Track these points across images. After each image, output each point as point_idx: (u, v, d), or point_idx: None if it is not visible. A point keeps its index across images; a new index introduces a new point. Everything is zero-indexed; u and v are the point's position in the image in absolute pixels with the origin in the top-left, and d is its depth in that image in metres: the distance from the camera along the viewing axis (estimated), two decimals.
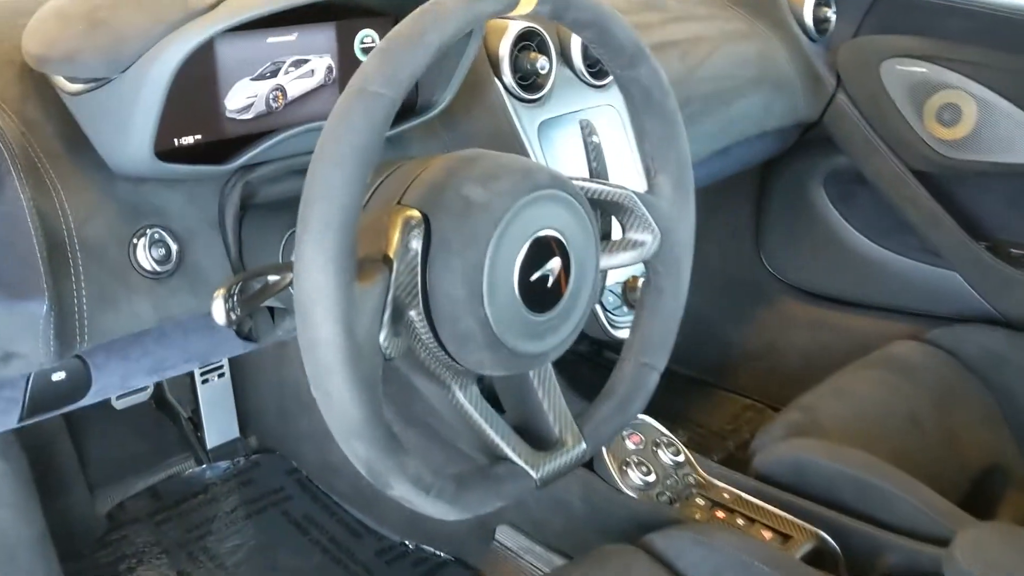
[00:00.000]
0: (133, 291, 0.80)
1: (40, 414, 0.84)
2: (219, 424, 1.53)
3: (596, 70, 1.17)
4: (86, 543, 1.36)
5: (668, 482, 1.19)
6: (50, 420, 1.33)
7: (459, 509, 0.70)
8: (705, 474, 1.22)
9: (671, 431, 1.26)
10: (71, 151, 0.80)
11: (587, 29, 0.76)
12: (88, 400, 0.87)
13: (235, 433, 1.56)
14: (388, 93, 0.61)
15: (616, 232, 0.98)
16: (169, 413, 1.54)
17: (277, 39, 0.87)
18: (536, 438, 0.81)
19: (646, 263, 0.88)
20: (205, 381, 1.51)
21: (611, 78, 1.18)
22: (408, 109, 1.00)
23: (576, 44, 1.14)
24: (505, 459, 0.76)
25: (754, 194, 1.85)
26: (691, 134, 1.38)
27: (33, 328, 0.73)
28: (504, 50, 1.07)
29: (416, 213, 0.70)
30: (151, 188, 0.83)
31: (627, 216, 0.85)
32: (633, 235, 0.85)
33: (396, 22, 0.96)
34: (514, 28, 1.07)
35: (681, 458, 1.23)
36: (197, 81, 0.83)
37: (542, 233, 0.73)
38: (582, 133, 0.85)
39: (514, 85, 1.08)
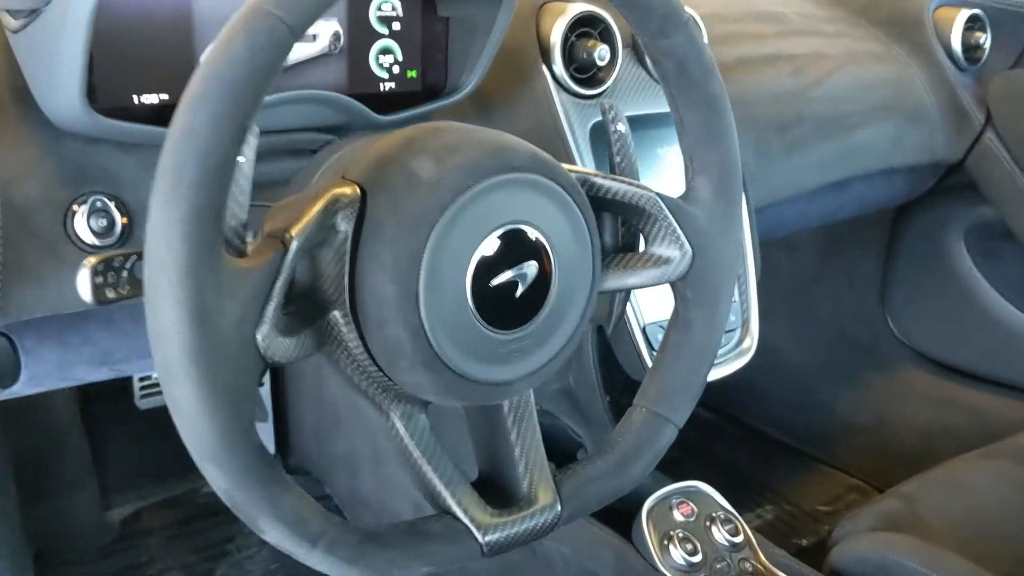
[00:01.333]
0: (63, 264, 0.69)
1: None
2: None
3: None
4: (88, 550, 1.28)
5: (718, 566, 0.99)
6: (63, 412, 1.25)
7: (362, 569, 0.54)
8: (767, 562, 1.01)
9: (754, 503, 1.06)
10: (18, 102, 0.70)
11: None
12: (23, 388, 0.76)
13: (271, 450, 1.45)
14: (283, 17, 0.47)
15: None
16: None
17: None
18: (500, 491, 0.64)
19: (673, 287, 0.70)
20: None
21: None
22: (434, 90, 0.86)
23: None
24: (447, 513, 0.60)
25: (882, 242, 1.62)
26: (799, 161, 1.21)
27: None
28: (556, 35, 0.92)
29: (349, 190, 0.55)
30: (104, 151, 0.72)
31: (649, 225, 0.67)
32: (657, 249, 0.68)
33: None
34: (572, 11, 0.92)
35: (739, 539, 1.02)
36: (166, 33, 0.72)
37: (513, 227, 0.57)
38: (604, 118, 0.68)
39: (565, 76, 0.92)
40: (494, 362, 0.58)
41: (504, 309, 0.58)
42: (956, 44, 1.37)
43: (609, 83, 0.95)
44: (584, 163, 0.92)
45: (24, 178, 0.69)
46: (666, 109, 0.97)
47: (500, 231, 0.56)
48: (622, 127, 0.68)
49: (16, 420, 1.09)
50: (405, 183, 0.55)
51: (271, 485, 0.50)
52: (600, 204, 0.67)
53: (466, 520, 0.60)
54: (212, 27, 0.73)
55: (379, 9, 0.82)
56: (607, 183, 0.66)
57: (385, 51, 0.83)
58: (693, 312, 0.69)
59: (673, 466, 1.50)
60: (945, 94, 1.36)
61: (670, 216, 0.67)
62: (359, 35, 0.81)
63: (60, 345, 0.76)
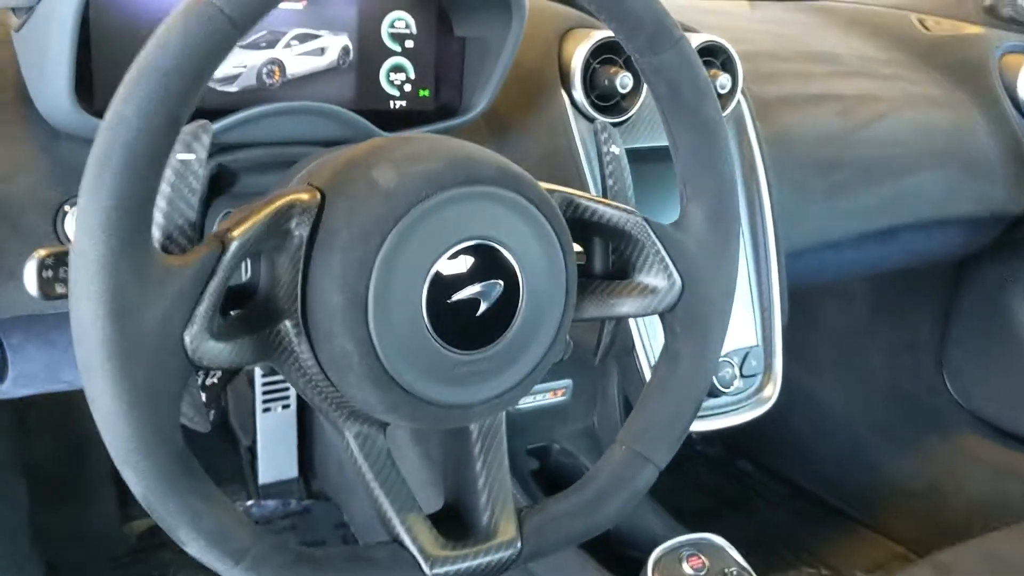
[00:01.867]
0: None
1: None
2: (276, 460, 1.41)
3: None
4: (102, 562, 1.27)
5: None
6: (84, 422, 1.26)
7: None
8: None
9: (786, 563, 1.01)
10: (20, 101, 0.71)
11: None
12: (11, 388, 0.76)
13: (293, 472, 1.44)
14: (222, 7, 0.46)
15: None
16: (229, 438, 1.44)
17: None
18: (458, 522, 0.61)
19: (662, 319, 0.66)
20: (267, 410, 1.40)
21: (727, 111, 0.98)
22: (446, 110, 0.85)
23: None
24: (395, 540, 0.57)
25: (941, 297, 1.53)
26: (842, 205, 1.15)
27: None
28: (578, 60, 0.89)
29: (307, 195, 0.53)
30: None
31: (636, 251, 0.64)
32: (643, 278, 0.64)
33: (440, 11, 0.82)
34: (595, 37, 0.90)
35: None
36: None
37: (476, 242, 0.54)
38: (596, 139, 0.66)
39: (584, 102, 0.90)
40: (450, 383, 0.55)
41: (464, 328, 0.55)
42: (1022, 91, 1.30)
43: (632, 112, 0.92)
44: (596, 190, 0.89)
45: (16, 176, 0.69)
46: None
47: (461, 245, 0.54)
48: (615, 149, 0.65)
49: (37, 428, 1.10)
50: (363, 190, 0.53)
51: (190, 495, 0.48)
52: (585, 227, 0.64)
53: (413, 549, 0.56)
54: None
55: (392, 26, 0.81)
56: (591, 204, 0.63)
57: (397, 68, 0.82)
58: (682, 346, 0.66)
59: (704, 517, 1.44)
60: (1008, 143, 1.29)
61: (658, 243, 0.63)
62: (369, 51, 0.80)
63: (47, 345, 0.75)
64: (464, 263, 0.54)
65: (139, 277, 0.45)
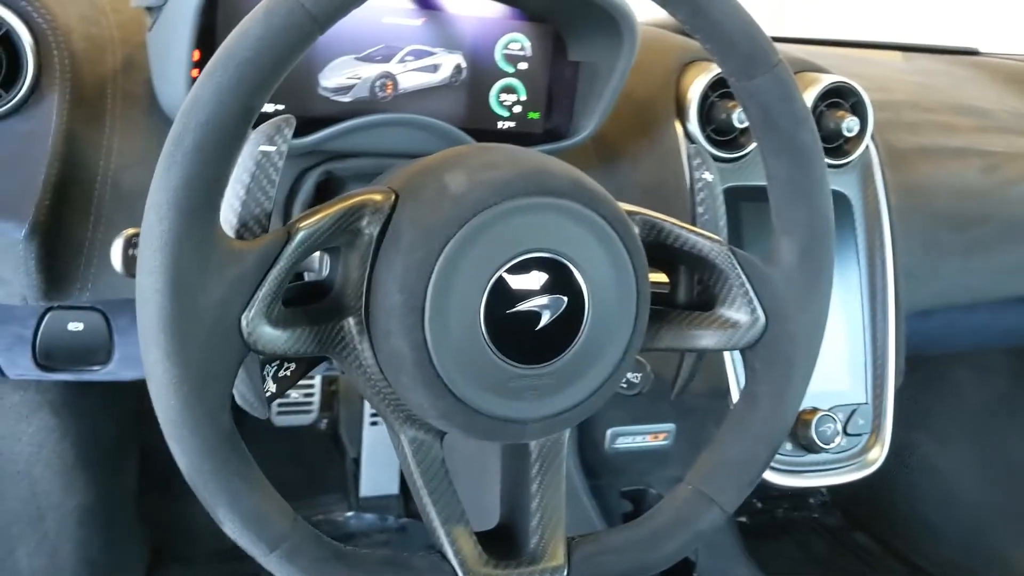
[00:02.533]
0: None
1: (59, 367, 0.78)
2: (379, 474, 1.43)
3: (834, 145, 0.93)
4: (205, 552, 1.32)
5: None
6: None
7: None
8: None
9: None
10: (149, 96, 0.76)
11: (676, 3, 0.56)
12: (117, 369, 0.80)
13: (394, 488, 1.45)
14: (306, 4, 0.47)
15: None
16: (338, 448, 1.47)
17: (395, 21, 0.77)
18: (508, 541, 0.60)
19: (743, 356, 0.63)
20: (374, 423, 1.42)
21: (854, 156, 0.93)
22: (555, 134, 0.84)
23: (807, 99, 0.92)
24: (437, 551, 0.56)
25: None
26: (979, 264, 1.08)
27: (13, 253, 0.67)
28: (695, 92, 0.88)
29: (381, 196, 0.54)
30: None
31: (720, 282, 0.61)
32: (725, 311, 0.62)
33: (555, 35, 0.83)
34: (715, 69, 0.88)
35: None
36: None
37: (542, 254, 0.53)
38: (689, 164, 0.64)
39: (699, 135, 0.88)
40: (504, 396, 0.54)
41: (523, 341, 0.54)
42: None
43: (749, 148, 0.89)
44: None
45: (136, 166, 0.73)
46: None
47: (525, 256, 0.53)
48: (708, 176, 0.63)
49: (152, 414, 1.15)
50: (433, 193, 0.53)
51: (233, 476, 0.49)
52: (669, 253, 0.62)
53: (455, 562, 0.55)
54: (332, 43, 0.75)
55: (506, 47, 0.82)
56: (676, 230, 0.61)
57: (508, 90, 0.83)
58: (761, 386, 0.62)
59: None
60: None
61: (743, 275, 0.61)
62: (482, 71, 0.81)
63: None
64: (529, 275, 0.53)
65: (201, 256, 0.46)
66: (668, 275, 0.65)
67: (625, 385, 0.71)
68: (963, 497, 1.48)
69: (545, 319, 0.54)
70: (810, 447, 0.86)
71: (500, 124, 0.84)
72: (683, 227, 0.61)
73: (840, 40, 1.46)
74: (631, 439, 1.14)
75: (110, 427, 1.15)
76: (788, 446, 0.86)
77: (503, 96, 0.83)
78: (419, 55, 0.79)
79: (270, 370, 0.59)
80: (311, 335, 0.53)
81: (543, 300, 0.54)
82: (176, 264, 0.46)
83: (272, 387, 0.59)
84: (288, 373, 0.61)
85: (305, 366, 0.62)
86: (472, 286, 0.52)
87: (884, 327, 0.91)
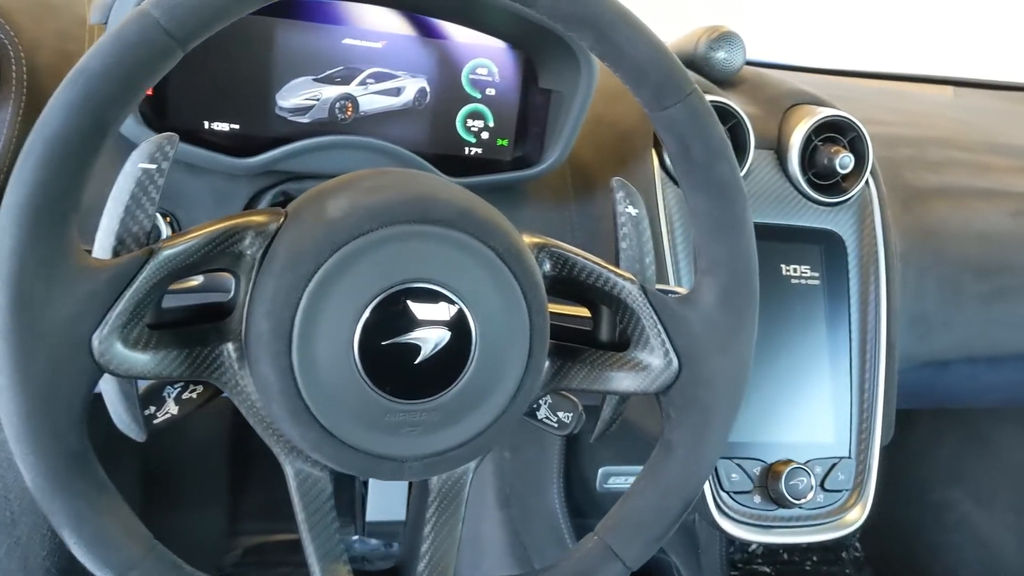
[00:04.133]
0: None
1: None
2: (386, 498, 1.41)
3: (830, 182, 0.88)
4: (205, 568, 1.32)
5: None
6: (207, 428, 1.32)
7: None
8: None
9: None
10: None
11: (581, 29, 0.53)
12: None
13: (400, 515, 1.43)
14: (159, 17, 0.46)
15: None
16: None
17: (356, 42, 0.77)
18: None
19: (658, 401, 0.59)
20: None
21: (851, 194, 0.88)
22: (525, 162, 0.82)
23: (798, 134, 0.87)
24: None
25: None
26: (1001, 314, 1.01)
27: None
28: None
29: (265, 217, 0.53)
30: (174, 169, 0.76)
31: (632, 322, 0.58)
32: (638, 352, 0.58)
33: (527, 61, 0.81)
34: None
35: None
36: (245, 65, 0.75)
37: (421, 285, 0.51)
38: (612, 197, 0.60)
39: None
40: (380, 431, 0.52)
41: (401, 375, 0.52)
42: None
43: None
44: (679, 262, 0.83)
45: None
46: (796, 222, 0.86)
47: (403, 286, 0.51)
48: (632, 210, 0.60)
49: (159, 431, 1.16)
50: (312, 217, 0.52)
51: (77, 498, 0.48)
52: (584, 290, 0.59)
53: None
54: (291, 64, 0.75)
55: (473, 72, 0.80)
56: (587, 265, 0.58)
57: (475, 115, 0.81)
58: (676, 434, 0.59)
59: None
60: None
61: (655, 316, 0.57)
62: (447, 95, 0.80)
63: None
64: (409, 306, 0.51)
65: (48, 271, 0.46)
66: (592, 312, 0.62)
67: (555, 424, 0.68)
68: (1007, 563, 1.37)
69: (425, 353, 0.52)
70: (780, 501, 0.81)
71: (467, 150, 0.82)
72: (596, 263, 0.58)
73: (887, 73, 1.39)
74: (624, 479, 1.10)
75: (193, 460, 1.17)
76: (756, 499, 0.81)
77: (470, 122, 0.81)
78: (381, 78, 0.78)
79: (172, 391, 0.58)
80: (181, 359, 0.52)
81: (423, 333, 0.51)
82: (19, 277, 0.45)
83: (174, 409, 0.58)
84: (194, 395, 0.60)
85: (215, 389, 0.61)
86: (344, 315, 0.50)
87: (874, 377, 0.85)
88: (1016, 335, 1.01)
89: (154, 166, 0.51)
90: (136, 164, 0.50)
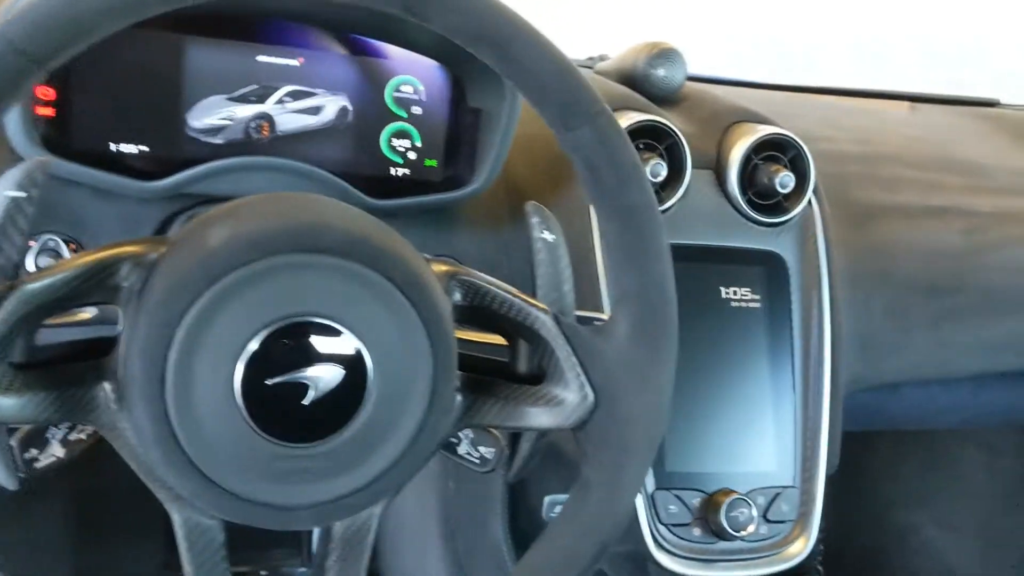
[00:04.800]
0: None
1: None
2: None
3: (771, 202, 0.85)
4: None
5: None
6: None
7: None
8: None
9: None
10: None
11: (478, 45, 0.50)
12: None
13: None
14: (15, 40, 0.43)
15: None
16: None
17: (271, 59, 0.73)
18: None
19: (575, 438, 0.56)
20: None
21: (793, 214, 0.85)
22: (456, 183, 0.79)
23: (737, 153, 0.84)
24: None
25: None
26: (952, 336, 0.98)
27: None
28: None
29: (139, 248, 0.49)
30: (80, 194, 0.72)
31: (547, 355, 0.55)
32: (553, 387, 0.55)
33: (453, 78, 0.78)
34: (634, 118, 0.81)
35: None
36: (152, 84, 0.71)
37: (309, 320, 0.48)
38: (528, 220, 0.57)
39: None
40: (267, 478, 0.49)
41: (289, 417, 0.48)
42: None
43: (671, 203, 0.82)
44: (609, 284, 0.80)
45: None
46: (736, 243, 0.84)
47: (289, 321, 0.47)
48: (549, 236, 0.56)
49: (100, 462, 1.12)
50: (190, 247, 0.48)
51: None
52: (492, 319, 0.55)
53: None
54: (202, 83, 0.72)
55: (397, 90, 0.77)
56: (500, 294, 0.55)
57: (401, 135, 0.78)
58: (592, 474, 0.55)
59: None
60: None
61: (569, 348, 0.54)
62: (370, 114, 0.77)
63: None
64: (296, 342, 0.48)
65: None
66: (509, 343, 0.59)
67: (477, 461, 0.65)
68: None
69: (315, 393, 0.48)
70: (720, 534, 0.77)
71: (394, 171, 0.79)
72: (509, 292, 0.55)
73: (841, 89, 1.37)
74: None
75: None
76: (696, 531, 0.78)
77: (396, 141, 0.78)
78: (299, 96, 0.75)
79: (57, 433, 0.54)
80: (50, 400, 0.48)
81: (312, 372, 0.48)
82: None
83: (59, 452, 0.54)
84: (83, 436, 0.56)
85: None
86: (223, 354, 0.47)
87: (818, 403, 0.83)
88: (969, 357, 0.98)
89: (23, 194, 0.47)
90: (2, 192, 0.47)
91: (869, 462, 1.49)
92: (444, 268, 0.54)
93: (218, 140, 0.74)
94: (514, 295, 0.55)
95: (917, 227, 0.99)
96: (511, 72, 0.51)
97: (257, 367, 0.47)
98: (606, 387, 0.54)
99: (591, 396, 0.54)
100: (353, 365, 0.48)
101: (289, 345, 0.47)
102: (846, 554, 1.54)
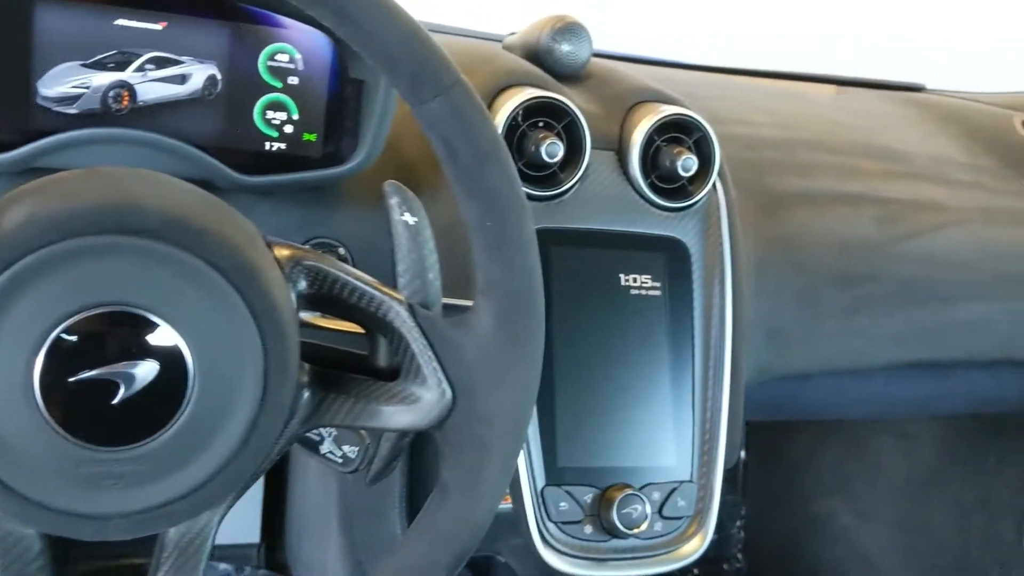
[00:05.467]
0: None
1: None
2: (238, 521, 1.32)
3: (676, 185, 0.82)
4: None
5: None
6: None
7: None
8: None
9: None
10: None
11: (316, 6, 0.46)
12: None
13: (254, 538, 1.34)
14: None
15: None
16: None
17: (130, 23, 0.68)
18: None
19: (435, 438, 0.52)
20: None
21: (696, 199, 0.82)
22: (335, 158, 0.74)
23: (639, 134, 0.80)
24: None
25: None
26: (865, 329, 0.95)
27: None
28: (500, 119, 0.77)
29: None
30: None
31: (403, 349, 0.51)
32: (409, 383, 0.51)
33: (334, 47, 0.73)
34: (527, 94, 0.77)
35: None
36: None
37: (119, 310, 0.43)
38: (386, 201, 0.53)
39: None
40: (74, 485, 0.44)
41: (99, 417, 0.43)
42: None
43: (569, 186, 0.78)
44: None
45: None
46: (637, 228, 0.80)
47: (95, 311, 0.42)
48: (410, 218, 0.52)
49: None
50: None
51: None
52: (343, 309, 0.51)
53: None
54: (53, 48, 0.66)
55: (272, 59, 0.72)
56: (349, 281, 0.50)
57: (276, 106, 0.73)
58: (450, 476, 0.51)
59: None
60: None
61: (425, 341, 0.50)
62: (242, 84, 0.71)
63: None
64: (104, 334, 0.43)
65: None
66: (368, 335, 0.55)
67: (340, 461, 0.61)
68: None
69: (127, 391, 0.43)
70: (613, 531, 0.74)
71: (269, 145, 0.73)
72: (360, 279, 0.50)
73: (765, 71, 1.34)
74: None
75: None
76: (588, 529, 0.74)
77: (270, 114, 0.73)
78: (162, 63, 0.69)
79: None
80: None
81: (123, 367, 0.43)
82: None
83: None
84: None
85: None
86: (19, 347, 0.42)
87: (717, 394, 0.79)
88: (880, 348, 0.96)
89: None
90: None
91: (789, 452, 1.48)
92: (287, 252, 0.49)
93: (72, 110, 0.68)
94: (367, 283, 0.50)
95: (830, 214, 0.97)
96: (356, 38, 0.46)
97: (59, 362, 0.42)
98: (465, 383, 0.50)
99: (449, 393, 0.50)
100: (171, 360, 0.44)
101: (96, 338, 0.42)
102: (765, 542, 1.53)
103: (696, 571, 1.49)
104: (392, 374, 0.53)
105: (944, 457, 1.32)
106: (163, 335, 0.44)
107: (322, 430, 0.61)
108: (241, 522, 1.34)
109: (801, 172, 1.00)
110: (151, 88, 0.69)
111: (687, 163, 0.79)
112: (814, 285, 0.93)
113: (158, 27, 0.68)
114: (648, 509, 0.74)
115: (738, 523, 1.52)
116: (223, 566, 1.32)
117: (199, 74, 0.70)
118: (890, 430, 1.34)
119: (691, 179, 0.81)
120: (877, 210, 0.99)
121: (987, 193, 1.08)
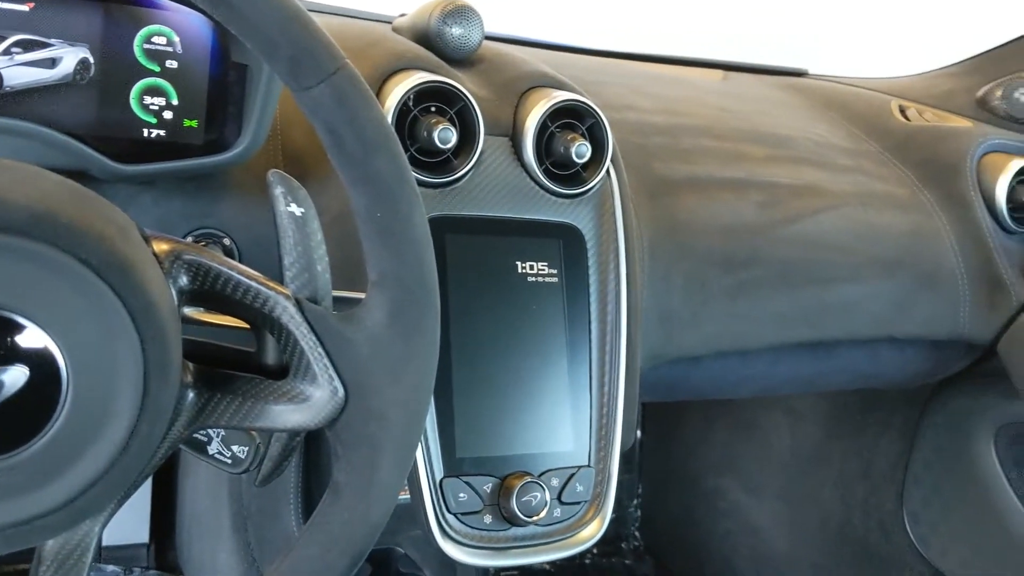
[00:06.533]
0: None
1: None
2: (125, 522, 1.27)
3: (570, 172, 0.82)
4: None
5: None
6: None
7: None
8: None
9: None
10: None
11: None
12: None
13: (143, 538, 1.30)
14: None
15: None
16: None
17: None
18: None
19: (327, 437, 0.51)
20: None
21: (590, 185, 0.82)
22: (218, 145, 0.71)
23: (532, 120, 0.80)
24: None
25: (906, 428, 1.33)
26: (747, 309, 0.97)
27: None
28: (391, 103, 0.75)
29: None
30: None
31: (292, 346, 0.49)
32: (298, 381, 0.49)
33: (213, 30, 0.70)
34: (415, 79, 0.76)
35: None
36: None
37: None
38: (271, 192, 0.51)
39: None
40: None
41: None
42: (1001, 200, 1.12)
43: (462, 172, 0.77)
44: None
45: None
46: (532, 215, 0.80)
47: None
48: (296, 209, 0.50)
49: None
50: None
51: None
52: (227, 305, 0.49)
53: None
54: None
55: (148, 41, 0.68)
56: (232, 276, 0.48)
57: (154, 91, 0.69)
58: (343, 476, 0.50)
59: None
60: (978, 258, 1.10)
61: (314, 337, 0.48)
62: (116, 68, 0.68)
63: None
64: None
65: None
66: (255, 332, 0.53)
67: (229, 461, 0.58)
68: (775, 551, 1.39)
69: None
70: (513, 520, 0.74)
71: (147, 132, 0.70)
72: (243, 273, 0.48)
73: (654, 55, 1.36)
74: None
75: None
76: (487, 519, 0.74)
77: (148, 99, 0.69)
78: (30, 46, 0.65)
79: None
80: None
81: None
82: None
83: None
84: None
85: None
86: None
87: (615, 380, 0.80)
88: (764, 329, 0.98)
89: None
90: None
91: (682, 430, 1.51)
92: (167, 247, 0.47)
93: None
94: (251, 277, 0.48)
95: (714, 200, 0.99)
96: (232, 20, 0.44)
97: None
98: (357, 380, 0.49)
99: (341, 391, 0.48)
100: (42, 364, 0.41)
101: None
102: (660, 519, 1.56)
103: (595, 551, 1.52)
104: (281, 372, 0.51)
105: (828, 432, 1.38)
106: (32, 337, 0.41)
107: (210, 430, 0.59)
108: (129, 522, 1.29)
109: (686, 158, 1.02)
110: (18, 72, 0.65)
111: (580, 150, 0.79)
112: (701, 269, 0.95)
113: (25, 8, 0.64)
114: (547, 496, 0.74)
115: (635, 502, 1.55)
116: (111, 568, 1.27)
117: (70, 57, 0.66)
118: (778, 407, 1.39)
119: (584, 165, 0.81)
120: (760, 195, 1.02)
121: (866, 177, 1.12)
